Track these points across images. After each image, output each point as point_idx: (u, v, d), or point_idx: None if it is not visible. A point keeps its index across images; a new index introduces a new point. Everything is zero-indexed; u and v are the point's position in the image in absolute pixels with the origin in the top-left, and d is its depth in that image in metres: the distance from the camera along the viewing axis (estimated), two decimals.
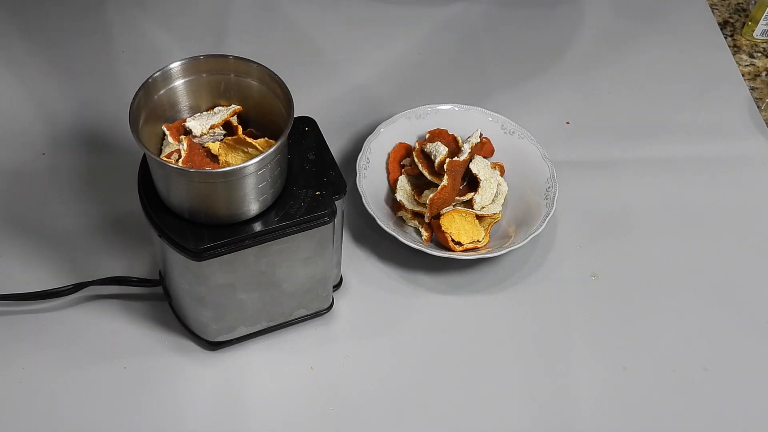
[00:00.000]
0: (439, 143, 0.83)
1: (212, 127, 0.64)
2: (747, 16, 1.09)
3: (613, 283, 0.81)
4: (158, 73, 0.62)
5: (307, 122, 0.69)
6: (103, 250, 0.78)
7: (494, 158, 0.87)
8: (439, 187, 0.79)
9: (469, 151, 0.82)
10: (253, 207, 0.61)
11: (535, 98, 0.98)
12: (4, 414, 0.68)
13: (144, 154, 0.63)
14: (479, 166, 0.82)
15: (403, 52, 1.02)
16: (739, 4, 1.12)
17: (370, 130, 0.86)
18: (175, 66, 0.63)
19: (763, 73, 1.03)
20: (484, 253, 0.78)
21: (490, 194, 0.82)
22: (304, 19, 1.03)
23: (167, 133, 0.63)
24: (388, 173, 0.85)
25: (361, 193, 0.80)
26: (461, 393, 0.72)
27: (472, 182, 0.82)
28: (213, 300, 0.66)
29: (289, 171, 0.65)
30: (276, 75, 0.62)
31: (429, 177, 0.82)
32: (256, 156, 0.58)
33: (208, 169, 0.61)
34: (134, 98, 0.60)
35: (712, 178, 0.90)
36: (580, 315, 0.78)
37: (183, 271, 0.64)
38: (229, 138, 0.63)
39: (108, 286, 0.74)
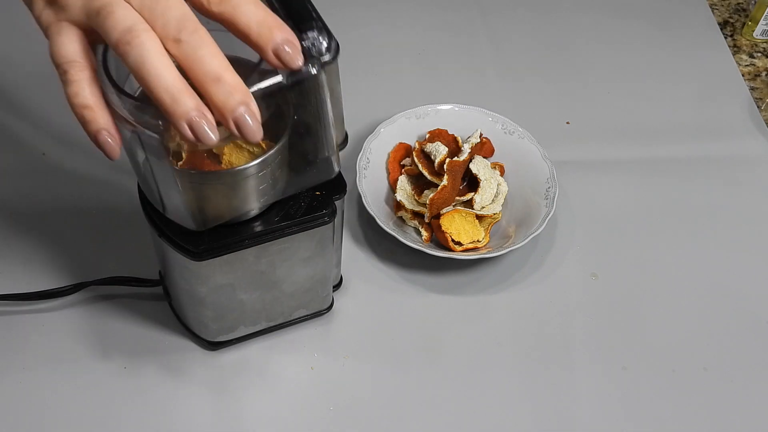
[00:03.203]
0: (439, 143, 0.83)
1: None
2: (747, 16, 1.09)
3: (613, 283, 0.81)
4: None
5: None
6: (103, 250, 0.78)
7: (494, 158, 0.87)
8: (439, 187, 0.79)
9: (469, 151, 0.82)
10: (254, 207, 0.61)
11: (535, 98, 0.98)
12: (4, 414, 0.68)
13: None
14: (479, 166, 0.82)
15: (403, 52, 1.02)
16: (739, 4, 1.12)
17: (370, 130, 0.86)
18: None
19: (763, 73, 1.03)
20: (484, 253, 0.78)
21: (490, 194, 0.82)
22: None
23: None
24: (388, 173, 0.86)
25: (361, 193, 0.80)
26: (461, 393, 0.72)
27: (472, 182, 0.83)
28: (213, 300, 0.66)
29: None
30: None
31: (429, 177, 0.82)
32: (259, 156, 0.57)
33: (208, 170, 0.61)
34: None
35: (712, 178, 0.91)
36: (580, 315, 0.78)
37: (183, 271, 0.64)
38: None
39: (108, 286, 0.74)
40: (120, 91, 0.49)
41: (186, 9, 0.46)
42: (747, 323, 0.79)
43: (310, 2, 0.52)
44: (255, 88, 0.48)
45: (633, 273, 0.82)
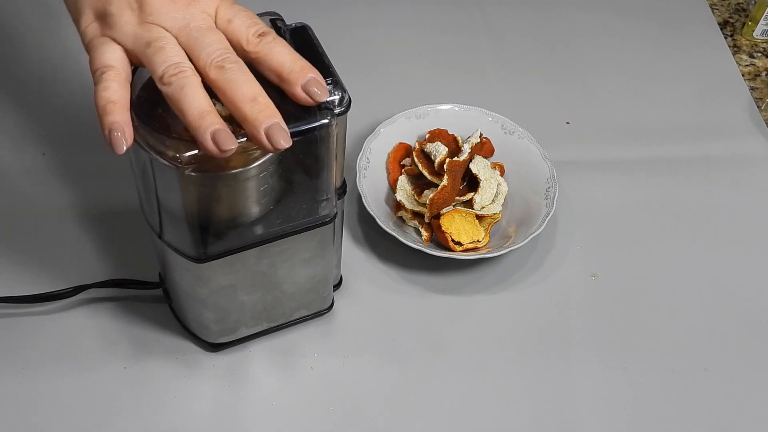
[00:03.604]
0: (439, 143, 0.83)
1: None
2: (747, 16, 1.09)
3: (613, 284, 0.81)
4: None
5: None
6: (103, 252, 0.78)
7: (494, 158, 0.87)
8: (439, 187, 0.79)
9: (469, 151, 0.81)
10: (255, 210, 0.61)
11: (535, 98, 0.98)
12: (4, 416, 0.68)
13: None
14: (479, 166, 0.82)
15: (403, 52, 1.02)
16: (739, 4, 1.12)
17: (370, 130, 0.86)
18: None
19: (763, 73, 1.03)
20: (484, 253, 0.77)
21: (490, 194, 0.82)
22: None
23: None
24: (388, 173, 0.85)
25: (361, 193, 0.80)
26: (461, 393, 0.72)
27: (472, 182, 0.82)
28: (214, 301, 0.66)
29: None
30: None
31: (429, 177, 0.82)
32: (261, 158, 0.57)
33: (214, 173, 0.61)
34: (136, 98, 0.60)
35: (712, 178, 0.90)
36: (581, 315, 0.78)
37: (183, 272, 0.64)
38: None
39: (108, 288, 0.74)
40: (136, 112, 0.53)
41: (228, 45, 0.53)
42: (748, 324, 0.78)
43: (327, 58, 0.58)
44: None
45: (633, 273, 0.82)
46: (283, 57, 0.53)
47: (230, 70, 0.51)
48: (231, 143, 0.50)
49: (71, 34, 0.97)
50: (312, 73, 0.53)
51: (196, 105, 0.50)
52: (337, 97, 0.56)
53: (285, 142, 0.51)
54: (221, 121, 0.50)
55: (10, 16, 1.01)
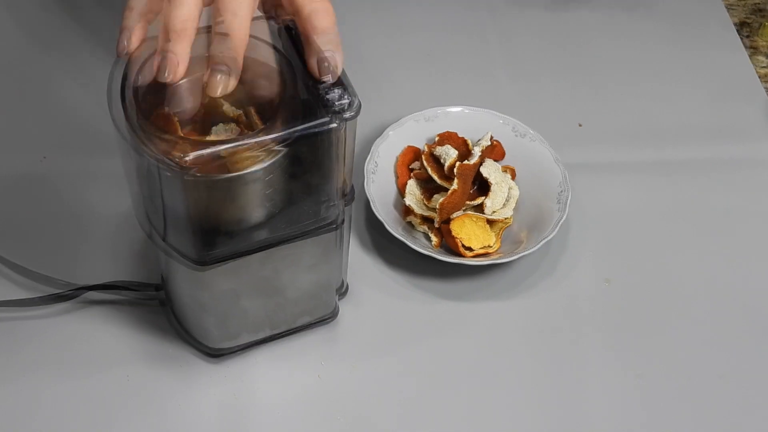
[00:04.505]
0: (449, 146, 0.82)
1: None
2: (764, 17, 1.08)
3: (627, 289, 0.80)
4: None
5: None
6: (103, 254, 0.78)
7: (505, 161, 0.86)
8: (449, 192, 0.78)
9: (479, 154, 0.81)
10: (259, 212, 0.60)
11: (546, 100, 0.97)
12: (3, 423, 0.68)
13: None
14: (490, 170, 0.81)
15: (412, 53, 1.01)
16: (756, 4, 1.10)
17: (378, 133, 0.85)
18: None
19: None
20: (495, 259, 0.77)
21: (501, 198, 0.81)
22: None
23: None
24: (397, 177, 0.84)
25: (369, 197, 0.79)
26: (471, 401, 0.71)
27: (482, 186, 0.82)
28: (215, 307, 0.66)
29: None
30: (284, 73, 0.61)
31: (438, 181, 0.81)
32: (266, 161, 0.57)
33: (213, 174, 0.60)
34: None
35: (727, 182, 0.89)
36: (593, 321, 0.77)
37: (185, 276, 0.63)
38: None
39: (108, 291, 0.73)
40: (141, 112, 0.54)
41: None
42: (764, 330, 0.77)
43: None
44: (277, 134, 0.54)
45: (647, 278, 0.81)
46: (322, 22, 0.56)
47: (228, 1, 0.53)
48: (167, 75, 0.53)
49: (75, 37, 0.98)
50: (333, 51, 0.55)
51: (176, 14, 0.52)
52: (346, 102, 0.55)
53: (216, 89, 0.53)
54: (182, 47, 0.52)
55: (10, 17, 1.01)
